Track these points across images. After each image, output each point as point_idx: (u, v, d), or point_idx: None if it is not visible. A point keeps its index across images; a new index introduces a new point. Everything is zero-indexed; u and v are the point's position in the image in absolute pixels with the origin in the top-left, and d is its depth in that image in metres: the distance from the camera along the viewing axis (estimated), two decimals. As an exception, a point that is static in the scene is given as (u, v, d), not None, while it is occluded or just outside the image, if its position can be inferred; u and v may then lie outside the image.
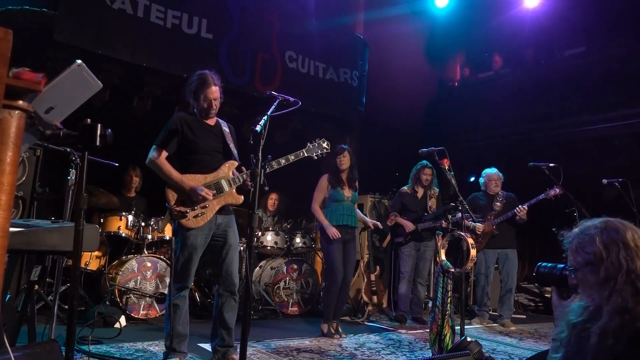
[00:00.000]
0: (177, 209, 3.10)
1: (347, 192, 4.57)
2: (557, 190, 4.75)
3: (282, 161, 3.23)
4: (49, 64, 4.99)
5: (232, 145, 3.31)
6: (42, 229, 2.22)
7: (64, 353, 1.80)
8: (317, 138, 3.50)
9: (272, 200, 6.17)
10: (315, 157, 3.43)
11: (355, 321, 5.37)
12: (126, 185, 5.53)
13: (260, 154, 2.47)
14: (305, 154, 3.42)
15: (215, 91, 3.20)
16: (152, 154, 3.19)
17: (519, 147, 8.35)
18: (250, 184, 3.01)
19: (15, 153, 1.13)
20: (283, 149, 3.62)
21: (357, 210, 4.80)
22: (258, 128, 2.49)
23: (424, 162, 5.18)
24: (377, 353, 3.97)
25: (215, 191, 3.15)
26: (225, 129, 3.36)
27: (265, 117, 2.62)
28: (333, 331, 4.44)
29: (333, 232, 4.40)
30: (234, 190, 3.25)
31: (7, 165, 1.10)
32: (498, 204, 5.34)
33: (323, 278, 5.77)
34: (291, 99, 2.87)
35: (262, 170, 2.48)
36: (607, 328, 1.39)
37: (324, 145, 3.46)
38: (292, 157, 3.31)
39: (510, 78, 8.70)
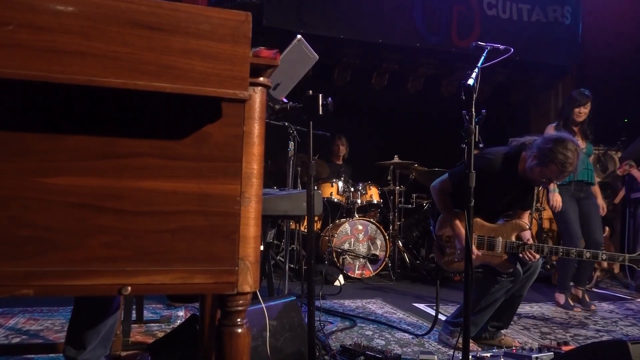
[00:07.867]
0: (439, 243, 2.89)
1: (581, 144, 3.90)
2: None
3: None
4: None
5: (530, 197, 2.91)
6: (275, 196, 2.47)
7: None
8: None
9: None
10: None
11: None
12: (335, 154, 5.87)
13: (473, 109, 2.32)
14: None
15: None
16: (440, 183, 2.87)
17: None
18: (530, 259, 2.73)
19: (261, 126, 1.24)
20: (486, 106, 3.32)
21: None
22: (470, 82, 2.33)
23: None
24: (613, 324, 3.53)
25: (485, 250, 2.77)
26: None
27: (476, 70, 2.45)
28: (571, 303, 3.93)
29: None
30: (505, 256, 2.77)
31: (255, 137, 1.22)
32: None
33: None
34: (501, 46, 2.63)
35: (477, 126, 2.33)
36: None
37: None
38: None
39: None
